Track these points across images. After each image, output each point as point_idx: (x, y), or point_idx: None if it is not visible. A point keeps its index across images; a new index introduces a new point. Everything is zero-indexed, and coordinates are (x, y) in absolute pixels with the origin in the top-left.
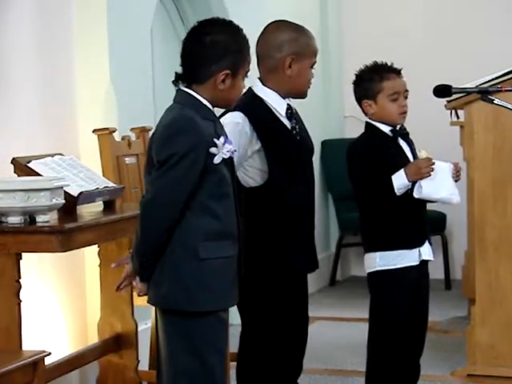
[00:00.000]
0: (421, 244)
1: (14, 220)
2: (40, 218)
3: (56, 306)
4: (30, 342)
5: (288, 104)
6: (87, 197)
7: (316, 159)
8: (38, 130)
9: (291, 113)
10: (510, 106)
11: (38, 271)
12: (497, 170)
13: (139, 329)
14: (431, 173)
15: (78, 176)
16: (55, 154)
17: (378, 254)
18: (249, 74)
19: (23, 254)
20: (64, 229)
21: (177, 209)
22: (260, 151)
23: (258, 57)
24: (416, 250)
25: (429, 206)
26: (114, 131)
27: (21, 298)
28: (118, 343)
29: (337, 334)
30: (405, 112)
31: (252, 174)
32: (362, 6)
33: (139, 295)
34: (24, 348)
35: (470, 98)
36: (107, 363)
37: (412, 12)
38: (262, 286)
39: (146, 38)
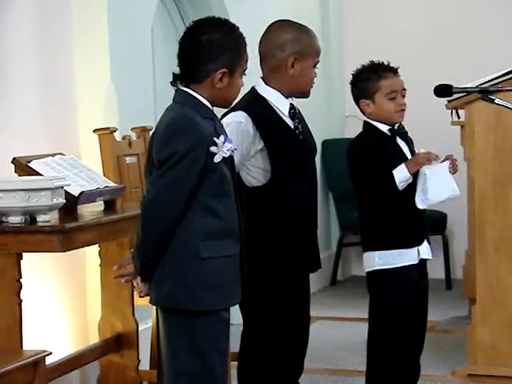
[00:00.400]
0: (420, 243)
1: (14, 220)
2: (41, 218)
3: (57, 306)
4: (31, 342)
5: (291, 103)
6: (88, 196)
7: (317, 159)
8: (38, 129)
9: (294, 112)
10: (510, 105)
11: (39, 271)
12: (497, 170)
13: (140, 328)
14: (429, 172)
15: (78, 176)
16: (56, 154)
17: (376, 253)
18: (252, 73)
19: (24, 254)
20: (65, 228)
21: (177, 208)
22: (263, 151)
23: (260, 56)
24: (415, 249)
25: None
26: (114, 131)
27: (21, 297)
28: (118, 343)
29: (338, 333)
30: (403, 110)
31: (255, 173)
32: (363, 6)
33: (140, 296)
34: (25, 348)
35: (471, 98)
36: (108, 363)
37: (412, 12)
38: (264, 285)
39: (147, 38)
